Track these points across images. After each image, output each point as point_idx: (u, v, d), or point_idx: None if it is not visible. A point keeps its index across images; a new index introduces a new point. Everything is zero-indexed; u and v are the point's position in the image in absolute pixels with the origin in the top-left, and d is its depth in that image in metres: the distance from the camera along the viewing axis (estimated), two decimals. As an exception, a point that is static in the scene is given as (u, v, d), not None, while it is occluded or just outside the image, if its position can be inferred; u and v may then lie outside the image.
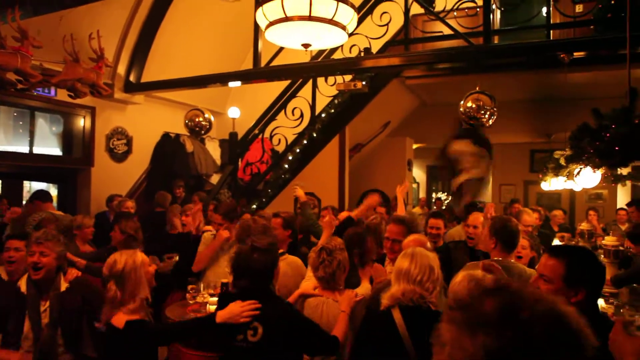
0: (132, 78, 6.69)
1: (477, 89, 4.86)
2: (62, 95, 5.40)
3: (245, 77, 6.05)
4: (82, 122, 6.65)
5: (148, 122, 7.51)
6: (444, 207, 10.72)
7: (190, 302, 3.65)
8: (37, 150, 6.32)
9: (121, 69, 6.60)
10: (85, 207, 6.57)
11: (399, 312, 2.13)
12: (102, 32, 5.08)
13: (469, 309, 0.76)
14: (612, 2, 4.94)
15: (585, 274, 1.72)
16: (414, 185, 12.94)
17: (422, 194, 13.85)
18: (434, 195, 13.84)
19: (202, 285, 3.75)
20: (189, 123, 6.68)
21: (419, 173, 13.77)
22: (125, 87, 6.69)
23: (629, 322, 1.37)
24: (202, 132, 6.81)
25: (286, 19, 2.80)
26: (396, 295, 2.16)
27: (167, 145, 7.84)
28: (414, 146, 9.75)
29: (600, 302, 3.74)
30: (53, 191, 6.96)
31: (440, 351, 0.78)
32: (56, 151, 6.71)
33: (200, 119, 6.67)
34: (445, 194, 13.81)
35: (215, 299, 3.52)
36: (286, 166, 6.81)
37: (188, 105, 7.23)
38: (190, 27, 7.41)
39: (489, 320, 0.72)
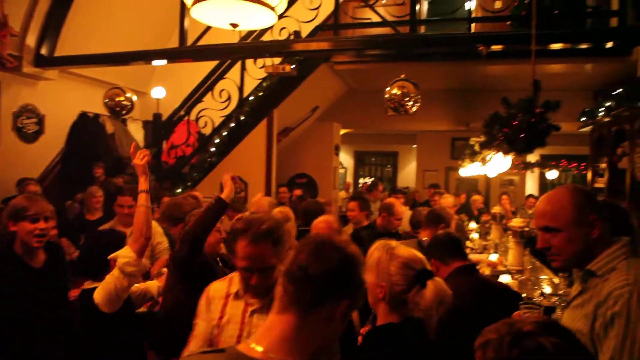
0: (43, 51, 6.17)
1: (402, 76, 5.00)
2: (-39, 66, 4.89)
3: (171, 55, 5.81)
4: (-16, 98, 6.08)
5: (63, 100, 7.00)
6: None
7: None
8: None
9: (30, 40, 6.04)
10: (-10, 190, 6.04)
11: None
12: (7, -1, 4.64)
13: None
14: (526, 1, 5.29)
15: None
16: (342, 170, 13.18)
17: (349, 179, 14.17)
18: (361, 180, 14.20)
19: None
20: (109, 102, 6.30)
21: (346, 158, 14.04)
22: (36, 61, 6.15)
23: None
24: (124, 112, 6.45)
25: (212, -5, 2.71)
26: None
27: (85, 126, 7.37)
28: (342, 131, 9.90)
29: (507, 278, 4.06)
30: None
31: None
32: (-47, 129, 6.09)
33: (122, 98, 6.30)
34: (372, 178, 14.24)
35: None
36: (213, 149, 6.66)
37: (108, 84, 6.81)
38: (111, -1, 6.97)
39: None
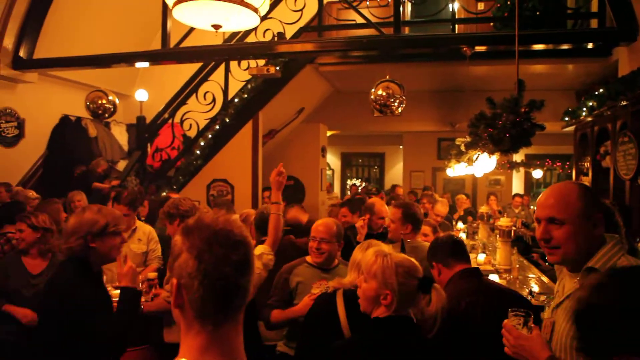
0: (22, 53, 6.05)
1: (387, 77, 5.00)
2: (-64, 70, 4.77)
3: (154, 57, 5.74)
4: (-38, 102, 5.95)
5: (43, 103, 6.89)
6: (358, 192, 11.02)
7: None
8: None
9: (8, 42, 5.91)
10: (-31, 196, 5.89)
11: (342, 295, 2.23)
12: (-17, 0, 4.54)
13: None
14: (509, 2, 5.34)
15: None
16: (329, 172, 13.17)
17: (336, 181, 14.16)
18: (348, 181, 14.21)
19: (104, 277, 3.53)
20: (91, 105, 6.20)
21: (333, 159, 14.03)
22: (14, 63, 6.02)
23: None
24: (106, 115, 6.35)
25: (193, -4, 2.66)
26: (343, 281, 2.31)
27: (67, 129, 7.28)
28: (328, 133, 9.88)
29: (495, 277, 4.07)
30: None
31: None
32: None
33: (104, 101, 6.21)
34: (359, 180, 14.25)
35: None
36: (198, 152, 6.59)
37: (90, 87, 6.71)
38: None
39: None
